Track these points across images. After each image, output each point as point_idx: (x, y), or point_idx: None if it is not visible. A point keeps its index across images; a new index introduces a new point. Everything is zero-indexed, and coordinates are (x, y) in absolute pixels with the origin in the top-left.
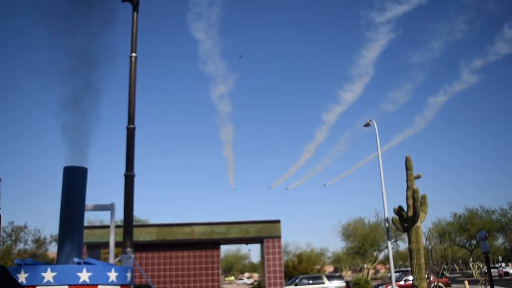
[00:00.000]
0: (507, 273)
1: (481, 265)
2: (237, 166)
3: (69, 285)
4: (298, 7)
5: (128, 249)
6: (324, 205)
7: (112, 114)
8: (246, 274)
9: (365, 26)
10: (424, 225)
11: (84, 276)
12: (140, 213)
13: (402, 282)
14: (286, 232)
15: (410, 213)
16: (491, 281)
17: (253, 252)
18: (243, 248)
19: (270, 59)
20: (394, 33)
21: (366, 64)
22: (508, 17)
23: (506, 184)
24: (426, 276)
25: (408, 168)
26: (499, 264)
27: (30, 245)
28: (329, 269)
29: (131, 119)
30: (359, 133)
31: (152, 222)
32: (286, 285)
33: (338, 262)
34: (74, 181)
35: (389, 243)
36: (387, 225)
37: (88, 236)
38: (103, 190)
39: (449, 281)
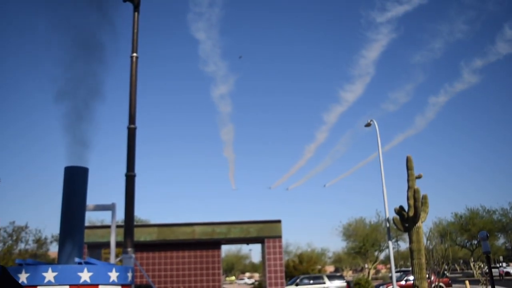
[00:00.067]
0: (508, 273)
1: (482, 265)
2: (237, 166)
3: (70, 285)
4: (298, 7)
5: (129, 249)
6: (325, 205)
7: (113, 114)
8: (247, 274)
9: (365, 26)
10: (425, 225)
11: (85, 276)
12: (141, 213)
13: (403, 282)
14: (287, 232)
15: (411, 213)
16: (492, 281)
17: (254, 252)
18: (244, 248)
19: (270, 59)
20: (394, 33)
21: (366, 64)
22: (508, 17)
23: (507, 184)
24: (427, 276)
25: (409, 168)
26: (500, 264)
27: (31, 245)
28: (330, 269)
29: (132, 119)
30: (359, 133)
31: (153, 222)
32: (287, 285)
33: (339, 262)
34: (75, 181)
35: (390, 243)
36: (388, 225)
37: (89, 236)
38: (104, 190)
39: (450, 281)
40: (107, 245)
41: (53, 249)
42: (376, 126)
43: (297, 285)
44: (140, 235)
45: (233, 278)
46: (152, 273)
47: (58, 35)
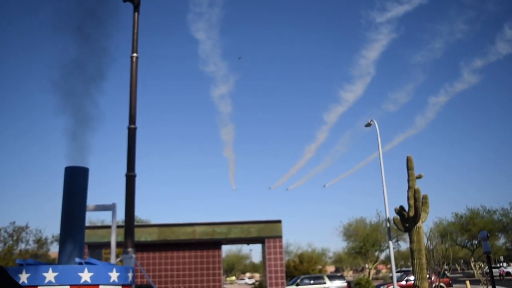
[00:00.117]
0: (508, 273)
1: (482, 265)
2: (237, 166)
3: (70, 285)
4: (298, 7)
5: (130, 249)
6: (325, 205)
7: (113, 114)
8: (248, 274)
9: (365, 26)
10: (426, 225)
11: (86, 276)
12: (141, 213)
13: (403, 282)
14: (287, 232)
15: (412, 213)
16: (493, 281)
17: (254, 252)
18: (245, 248)
19: (270, 59)
20: (395, 33)
21: (367, 64)
22: (508, 17)
23: (507, 184)
24: (428, 276)
25: (409, 168)
26: (501, 264)
27: (32, 245)
28: (331, 269)
29: (132, 119)
30: (360, 133)
31: (153, 222)
32: (288, 285)
33: (340, 262)
34: (75, 181)
35: (391, 243)
36: (388, 225)
37: (90, 236)
38: (104, 190)
39: (450, 281)
40: (107, 245)
41: (54, 249)
42: (376, 126)
43: (297, 285)
44: (141, 235)
45: (233, 278)
46: (152, 273)
47: (58, 34)
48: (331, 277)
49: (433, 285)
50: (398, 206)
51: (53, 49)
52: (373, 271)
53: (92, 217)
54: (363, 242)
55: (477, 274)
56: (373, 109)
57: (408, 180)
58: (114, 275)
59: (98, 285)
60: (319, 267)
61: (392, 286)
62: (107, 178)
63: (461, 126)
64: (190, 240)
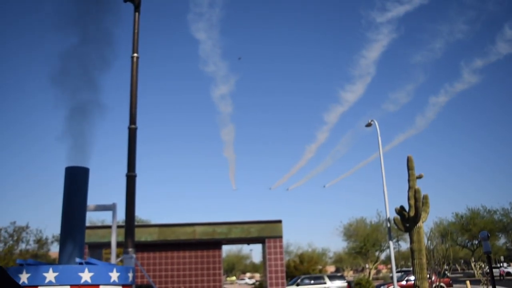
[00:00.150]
0: (508, 273)
1: (483, 265)
2: (238, 166)
3: (70, 285)
4: (298, 7)
5: (130, 249)
6: (325, 205)
7: (113, 114)
8: (248, 274)
9: (365, 26)
10: (426, 225)
11: (86, 276)
12: (142, 213)
13: (404, 282)
14: (287, 232)
15: (412, 213)
16: (493, 281)
17: (254, 252)
18: (245, 248)
19: (270, 59)
20: (395, 33)
21: (367, 65)
22: (508, 17)
23: (508, 184)
24: (428, 276)
25: (409, 168)
26: (501, 264)
27: (32, 245)
28: (331, 269)
29: (132, 119)
30: (360, 133)
31: (153, 222)
32: (288, 285)
33: (340, 262)
34: (76, 181)
35: (391, 243)
36: (388, 225)
37: (90, 236)
38: (104, 190)
39: (451, 281)
40: (108, 245)
41: (54, 249)
42: (377, 126)
43: (298, 285)
44: (141, 235)
45: (233, 278)
46: (153, 273)
47: (58, 32)
48: (332, 277)
49: (434, 285)
50: (398, 206)
51: (53, 47)
52: (373, 271)
53: (92, 217)
54: (364, 242)
55: (477, 274)
56: (373, 109)
57: (409, 180)
58: (114, 275)
59: (98, 285)
60: (320, 267)
61: (392, 286)
62: (107, 178)
63: (461, 126)
64: (190, 240)
